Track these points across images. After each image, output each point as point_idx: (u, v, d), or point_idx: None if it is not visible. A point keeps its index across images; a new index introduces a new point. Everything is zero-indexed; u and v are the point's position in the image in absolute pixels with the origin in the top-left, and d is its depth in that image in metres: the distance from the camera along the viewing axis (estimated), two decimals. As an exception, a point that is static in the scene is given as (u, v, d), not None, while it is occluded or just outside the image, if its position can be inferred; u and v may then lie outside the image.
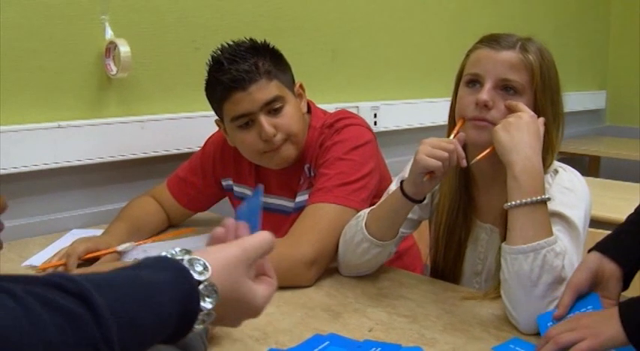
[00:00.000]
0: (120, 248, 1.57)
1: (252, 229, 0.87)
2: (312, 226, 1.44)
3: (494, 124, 1.31)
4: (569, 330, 1.04)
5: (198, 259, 0.70)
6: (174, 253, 0.72)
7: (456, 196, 1.44)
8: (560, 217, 1.28)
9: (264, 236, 0.81)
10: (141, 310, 0.62)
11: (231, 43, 1.57)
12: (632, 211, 1.33)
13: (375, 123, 2.71)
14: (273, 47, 1.60)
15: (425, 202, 1.44)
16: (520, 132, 1.23)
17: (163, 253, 0.72)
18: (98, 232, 1.68)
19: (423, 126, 2.87)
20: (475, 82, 1.36)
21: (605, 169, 4.15)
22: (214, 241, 0.85)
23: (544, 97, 1.34)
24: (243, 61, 1.51)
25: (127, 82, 1.98)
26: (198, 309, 0.69)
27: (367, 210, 1.41)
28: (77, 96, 1.89)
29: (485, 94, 1.31)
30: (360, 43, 2.76)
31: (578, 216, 1.29)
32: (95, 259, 1.51)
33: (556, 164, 1.39)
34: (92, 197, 1.97)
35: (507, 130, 1.24)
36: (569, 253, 1.22)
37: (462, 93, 1.38)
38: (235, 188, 1.79)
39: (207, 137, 1.84)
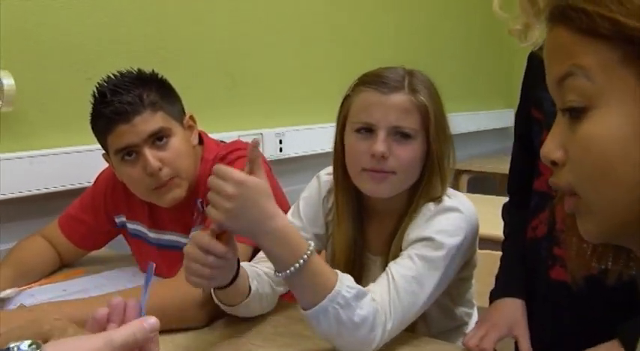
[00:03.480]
0: (1, 295, 1.47)
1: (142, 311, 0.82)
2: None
3: (392, 172, 1.30)
4: None
5: None
6: (21, 348, 0.64)
7: (350, 231, 1.42)
8: (427, 240, 1.28)
9: (138, 327, 0.72)
10: None
11: (117, 73, 1.51)
12: None
13: (281, 149, 2.68)
14: (160, 78, 1.55)
15: (321, 232, 1.42)
16: (246, 209, 1.07)
17: (11, 345, 0.64)
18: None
19: (329, 151, 2.80)
20: (366, 129, 1.33)
21: (514, 186, 4.23)
22: (94, 324, 0.78)
23: (436, 134, 1.33)
24: (127, 93, 1.45)
25: (14, 116, 1.88)
26: None
27: None
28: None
29: (380, 145, 1.29)
30: (260, 69, 2.72)
31: (450, 242, 1.28)
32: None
33: (446, 192, 1.38)
34: (-21, 238, 1.86)
35: (235, 217, 1.07)
36: (419, 276, 1.24)
37: (353, 140, 1.35)
38: (129, 225, 1.72)
39: (99, 173, 1.76)
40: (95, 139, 1.55)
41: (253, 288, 1.30)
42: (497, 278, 1.40)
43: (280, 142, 2.69)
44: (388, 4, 3.50)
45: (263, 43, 2.72)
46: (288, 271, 1.09)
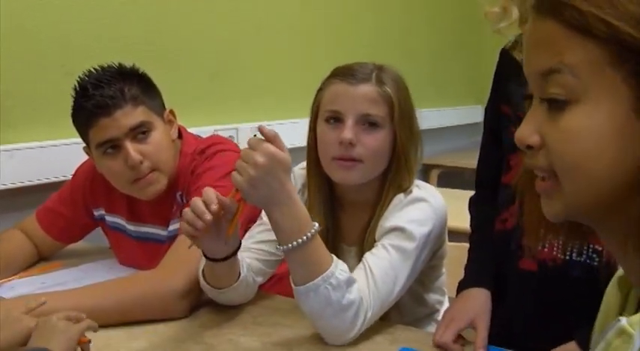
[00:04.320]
0: (-19, 288, 1.49)
1: None
2: (184, 257, 1.40)
3: (360, 160, 1.35)
4: None
5: None
6: None
7: (323, 222, 1.45)
8: (400, 230, 1.34)
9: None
10: None
11: (98, 68, 1.53)
12: None
13: (256, 144, 2.70)
14: (141, 72, 1.57)
15: None
16: (268, 180, 1.14)
17: None
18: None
19: (303, 146, 2.84)
20: (335, 118, 1.38)
21: (484, 181, 4.29)
22: None
23: (402, 124, 1.39)
24: (109, 87, 1.47)
25: (-8, 110, 1.89)
26: None
27: None
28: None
29: (348, 132, 1.35)
30: (238, 65, 2.74)
31: (421, 231, 1.35)
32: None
33: (415, 183, 1.44)
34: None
35: (256, 186, 1.14)
36: (394, 266, 1.30)
37: (323, 130, 1.40)
38: (107, 218, 1.74)
39: (77, 166, 1.77)
40: (73, 133, 1.57)
41: (243, 274, 1.34)
42: (465, 269, 1.44)
43: (255, 136, 2.71)
44: (362, 4, 3.54)
45: (241, 40, 2.74)
46: (290, 245, 1.16)
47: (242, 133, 2.62)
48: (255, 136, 1.17)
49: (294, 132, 2.81)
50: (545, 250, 1.24)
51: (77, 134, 1.58)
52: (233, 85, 2.72)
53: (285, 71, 3.00)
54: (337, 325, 1.21)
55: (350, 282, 1.21)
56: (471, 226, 1.51)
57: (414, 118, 1.44)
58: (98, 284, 1.40)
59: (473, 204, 1.53)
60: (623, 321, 0.56)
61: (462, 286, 1.38)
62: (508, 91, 1.35)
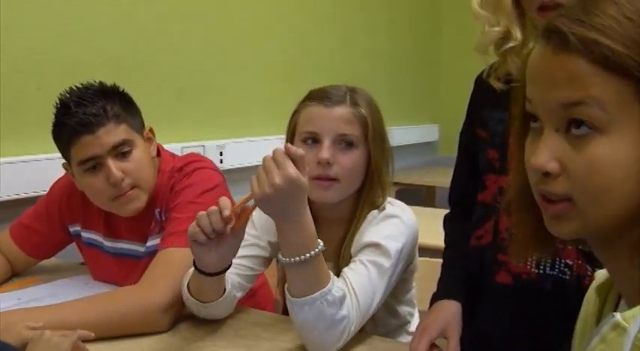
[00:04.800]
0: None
1: None
2: (167, 272, 1.44)
3: (337, 180, 1.41)
4: None
5: None
6: None
7: None
8: (376, 246, 1.40)
9: None
10: None
11: (80, 85, 1.55)
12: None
13: (222, 161, 2.74)
14: (122, 91, 1.60)
15: (275, 239, 1.49)
16: (282, 200, 1.17)
17: None
18: None
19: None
20: (312, 139, 1.44)
21: (440, 198, 4.38)
22: None
23: (375, 144, 1.47)
24: (92, 105, 1.49)
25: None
26: None
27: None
28: None
29: (325, 152, 1.41)
30: (205, 83, 2.79)
31: (395, 247, 1.41)
32: None
33: (387, 200, 1.50)
34: None
35: (270, 202, 1.18)
36: (372, 282, 1.35)
37: None
38: (83, 234, 1.75)
39: (54, 182, 1.78)
40: (48, 149, 1.58)
41: (228, 289, 1.38)
42: (438, 283, 1.50)
43: (221, 154, 2.76)
44: (326, 27, 3.64)
45: (208, 58, 2.80)
46: (293, 260, 1.21)
47: (209, 150, 2.66)
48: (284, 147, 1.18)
49: (257, 148, 2.87)
50: (520, 264, 1.31)
51: (52, 149, 1.60)
52: (200, 103, 2.77)
53: (251, 89, 3.05)
54: (326, 338, 1.26)
55: (343, 299, 1.26)
56: (445, 242, 1.58)
57: (386, 137, 1.52)
58: (80, 300, 1.41)
59: (448, 221, 1.60)
60: (618, 316, 0.63)
61: (435, 299, 1.44)
62: (483, 116, 1.42)
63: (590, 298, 0.83)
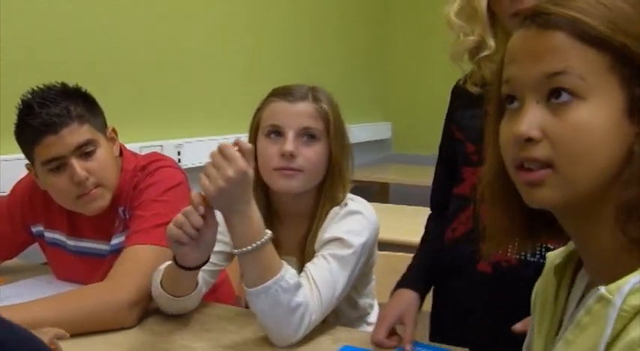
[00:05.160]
0: None
1: None
2: (132, 269, 1.47)
3: (300, 170, 1.46)
4: None
5: None
6: None
7: None
8: (339, 241, 1.46)
9: None
10: None
11: (43, 86, 1.57)
12: (421, 233, 1.62)
13: (179, 160, 2.76)
14: (85, 91, 1.62)
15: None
16: (233, 192, 1.23)
17: None
18: None
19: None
20: (276, 132, 1.49)
21: (394, 194, 4.44)
22: None
23: (336, 139, 1.52)
24: (55, 105, 1.51)
25: None
26: None
27: (166, 264, 1.42)
28: None
29: (289, 145, 1.46)
30: (164, 83, 2.81)
31: (358, 241, 1.47)
32: None
33: (348, 196, 1.56)
34: None
35: (222, 195, 1.23)
36: (333, 274, 1.41)
37: (264, 144, 1.50)
38: (46, 234, 1.76)
39: (16, 182, 1.79)
40: (9, 150, 1.58)
41: (199, 283, 1.43)
42: (404, 273, 1.55)
43: (179, 153, 2.78)
44: (279, 26, 3.68)
45: (165, 59, 2.81)
46: (245, 249, 1.26)
47: (167, 149, 2.67)
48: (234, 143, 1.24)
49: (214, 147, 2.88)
50: (500, 251, 1.33)
51: (13, 150, 1.61)
52: (157, 103, 2.78)
53: (209, 89, 3.08)
54: (285, 326, 1.31)
55: (298, 286, 1.31)
56: (422, 238, 1.63)
57: (346, 134, 1.58)
58: (47, 298, 1.42)
59: (431, 221, 1.65)
60: (602, 289, 0.69)
61: (397, 287, 1.50)
62: (458, 117, 1.49)
63: (548, 278, 0.89)
